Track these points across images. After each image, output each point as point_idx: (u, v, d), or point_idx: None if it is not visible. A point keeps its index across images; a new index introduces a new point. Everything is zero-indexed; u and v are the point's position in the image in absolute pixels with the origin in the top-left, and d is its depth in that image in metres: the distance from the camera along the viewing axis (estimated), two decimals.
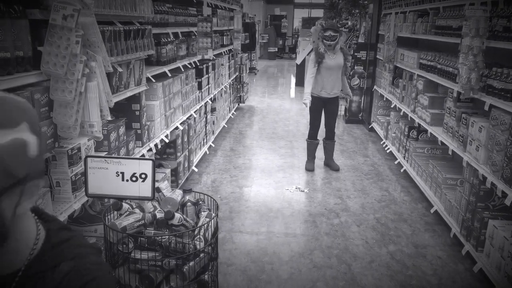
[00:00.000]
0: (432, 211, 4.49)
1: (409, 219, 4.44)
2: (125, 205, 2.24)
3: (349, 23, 13.07)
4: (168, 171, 4.31)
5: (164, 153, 4.55)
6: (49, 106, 2.25)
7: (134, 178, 2.26)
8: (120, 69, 2.99)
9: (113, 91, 3.05)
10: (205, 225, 2.15)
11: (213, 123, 6.82)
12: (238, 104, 9.78)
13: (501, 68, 3.24)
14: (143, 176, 2.25)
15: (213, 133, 6.85)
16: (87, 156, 2.21)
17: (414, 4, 5.59)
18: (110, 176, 2.27)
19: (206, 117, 6.25)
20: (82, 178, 2.49)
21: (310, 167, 5.81)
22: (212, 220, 2.21)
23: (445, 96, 4.75)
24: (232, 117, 8.74)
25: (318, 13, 22.50)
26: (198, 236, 2.13)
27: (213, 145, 6.68)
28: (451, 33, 4.24)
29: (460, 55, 3.51)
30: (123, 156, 2.94)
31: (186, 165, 5.02)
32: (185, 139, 4.90)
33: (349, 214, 4.54)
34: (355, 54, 8.28)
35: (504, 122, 3.09)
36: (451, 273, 3.53)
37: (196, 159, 5.63)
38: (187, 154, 5.01)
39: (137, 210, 2.25)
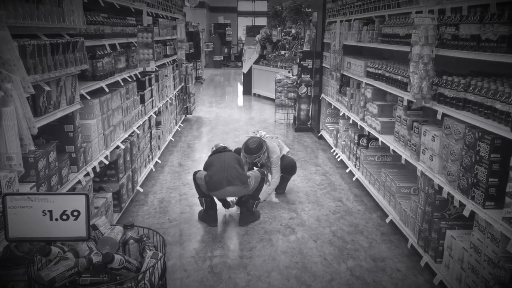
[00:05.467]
0: (387, 220, 4.43)
1: (365, 231, 4.35)
2: (55, 249, 1.92)
3: (293, 31, 13.14)
4: (109, 195, 3.95)
5: (105, 175, 4.17)
6: None
7: (64, 217, 1.95)
8: (47, 88, 2.64)
9: (40, 113, 2.69)
10: (150, 269, 1.87)
11: (159, 138, 6.48)
12: (185, 116, 9.46)
13: (451, 76, 3.22)
14: (75, 213, 1.94)
15: (159, 148, 6.50)
16: (5, 194, 1.87)
17: (359, 12, 5.59)
18: (35, 216, 1.94)
19: (150, 132, 5.90)
20: (1, 218, 2.12)
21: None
22: (159, 261, 1.93)
23: (394, 104, 4.74)
24: (179, 129, 8.40)
25: (262, 21, 22.59)
26: (143, 282, 1.85)
27: (159, 161, 6.33)
28: (398, 41, 4.22)
29: (410, 63, 3.45)
30: (50, 192, 2.58)
31: (130, 186, 4.66)
32: (128, 158, 4.55)
33: (305, 228, 4.38)
34: (302, 62, 8.24)
35: (458, 131, 3.05)
36: (412, 286, 3.44)
37: (141, 178, 5.27)
38: (130, 174, 4.65)
39: (69, 254, 1.93)
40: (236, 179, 4.21)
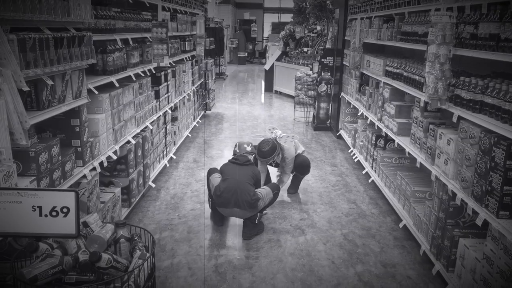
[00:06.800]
0: (401, 225, 4.28)
1: (377, 235, 4.22)
2: (43, 246, 1.90)
3: (318, 27, 12.94)
4: (118, 190, 3.95)
5: (115, 170, 4.17)
6: None
7: (54, 213, 1.92)
8: (50, 82, 2.63)
9: (43, 107, 2.69)
10: (136, 270, 1.82)
11: (174, 133, 6.47)
12: (205, 112, 9.45)
13: (469, 78, 3.05)
14: (64, 210, 1.92)
15: (174, 144, 6.49)
16: None
17: (379, 9, 5.42)
18: (24, 211, 1.93)
19: (165, 128, 5.90)
20: None
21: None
22: (146, 262, 1.88)
23: (412, 104, 4.57)
24: (197, 125, 8.40)
25: (288, 18, 22.39)
26: (127, 283, 1.80)
27: (174, 157, 6.33)
28: (417, 39, 4.05)
29: (426, 63, 3.30)
30: (40, 188, 2.56)
31: (141, 181, 4.66)
32: (139, 154, 4.54)
33: (315, 230, 4.28)
34: (322, 60, 8.09)
35: (474, 136, 2.89)
36: None
37: (153, 174, 5.27)
38: (141, 169, 4.64)
39: (57, 252, 1.91)
40: (246, 204, 4.00)
